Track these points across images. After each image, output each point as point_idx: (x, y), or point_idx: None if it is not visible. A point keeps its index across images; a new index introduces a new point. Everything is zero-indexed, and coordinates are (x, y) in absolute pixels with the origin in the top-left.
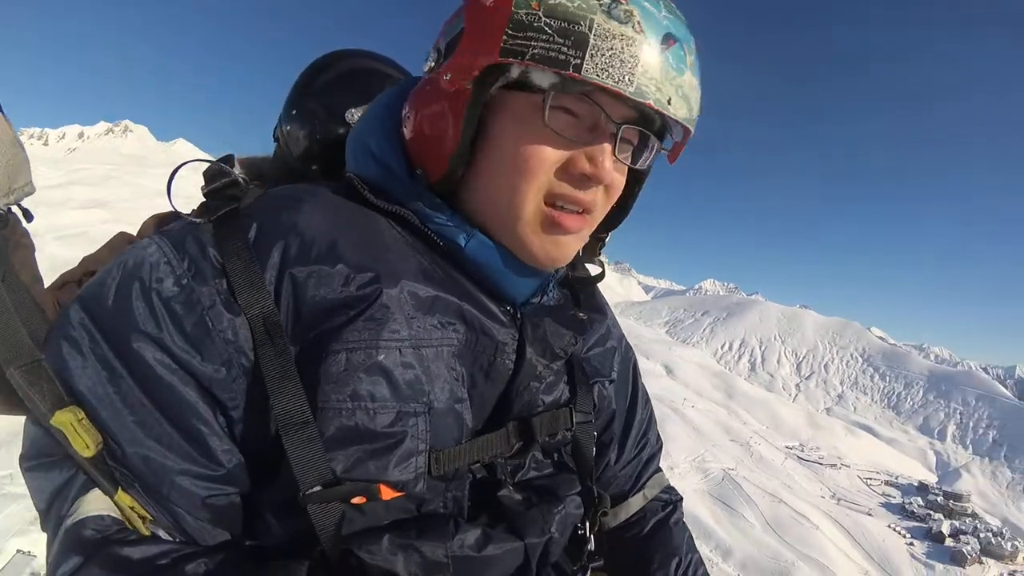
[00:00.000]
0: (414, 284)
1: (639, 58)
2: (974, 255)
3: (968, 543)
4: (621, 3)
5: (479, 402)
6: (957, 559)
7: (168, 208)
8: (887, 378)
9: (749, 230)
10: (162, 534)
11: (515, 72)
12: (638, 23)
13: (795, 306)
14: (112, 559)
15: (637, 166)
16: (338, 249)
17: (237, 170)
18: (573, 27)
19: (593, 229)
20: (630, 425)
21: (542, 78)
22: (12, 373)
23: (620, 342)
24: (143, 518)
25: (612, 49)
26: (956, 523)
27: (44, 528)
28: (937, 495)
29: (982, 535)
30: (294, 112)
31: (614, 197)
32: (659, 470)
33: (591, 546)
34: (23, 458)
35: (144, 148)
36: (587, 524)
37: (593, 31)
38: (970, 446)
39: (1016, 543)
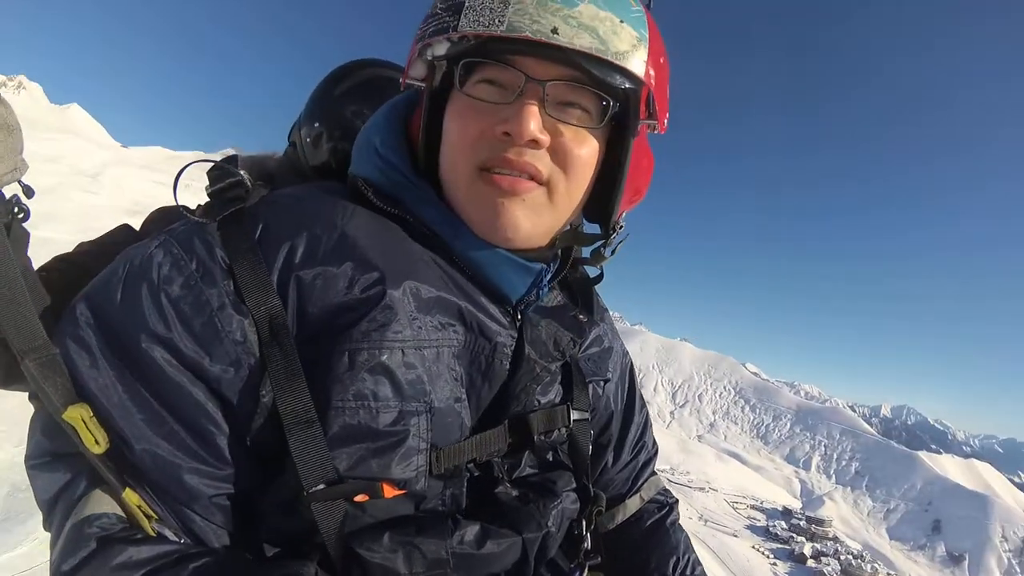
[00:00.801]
0: (416, 284)
1: (507, 1)
2: (848, 299)
3: (829, 564)
4: None
5: (476, 402)
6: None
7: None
8: (757, 410)
9: (637, 262)
10: (168, 533)
11: (428, 54)
12: None
13: (676, 338)
14: (116, 558)
15: (591, 126)
16: (343, 250)
17: (242, 173)
18: (453, 1)
19: (559, 204)
20: (627, 428)
21: (439, 49)
22: (27, 365)
23: (617, 344)
24: (149, 517)
25: (483, 3)
26: (818, 546)
27: (47, 527)
28: (800, 519)
29: (843, 557)
30: (316, 124)
31: (574, 167)
32: (655, 473)
33: (587, 544)
34: (29, 456)
35: (36, 109)
36: (583, 523)
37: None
38: (833, 476)
39: (876, 565)
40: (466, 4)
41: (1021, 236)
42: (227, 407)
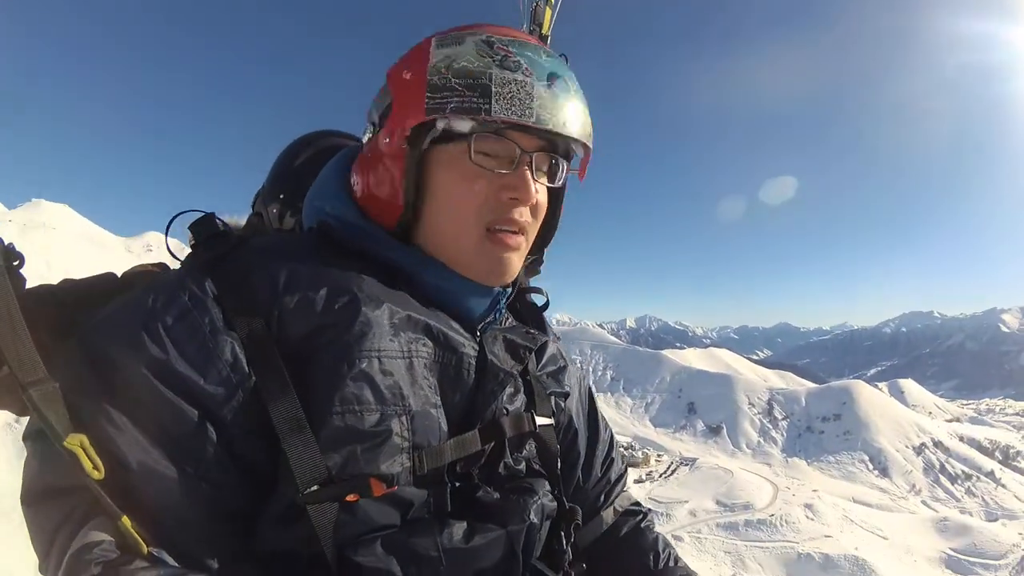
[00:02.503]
0: (387, 304)
1: (533, 94)
2: (578, 226)
3: None
4: (510, 56)
5: (450, 409)
6: None
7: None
8: None
9: None
10: (166, 558)
11: (440, 125)
12: (526, 68)
13: None
14: None
15: (553, 184)
16: (319, 278)
17: (221, 223)
18: (477, 81)
19: (529, 246)
20: (594, 445)
21: (462, 125)
22: (29, 395)
23: (571, 364)
24: (147, 542)
25: (511, 92)
26: None
27: (42, 569)
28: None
29: None
30: (280, 196)
31: (541, 215)
32: (626, 488)
33: (569, 555)
34: (25, 494)
35: None
36: (563, 535)
37: (493, 81)
38: (593, 386)
39: (646, 451)
40: (494, 90)
41: (690, 150)
42: (222, 426)
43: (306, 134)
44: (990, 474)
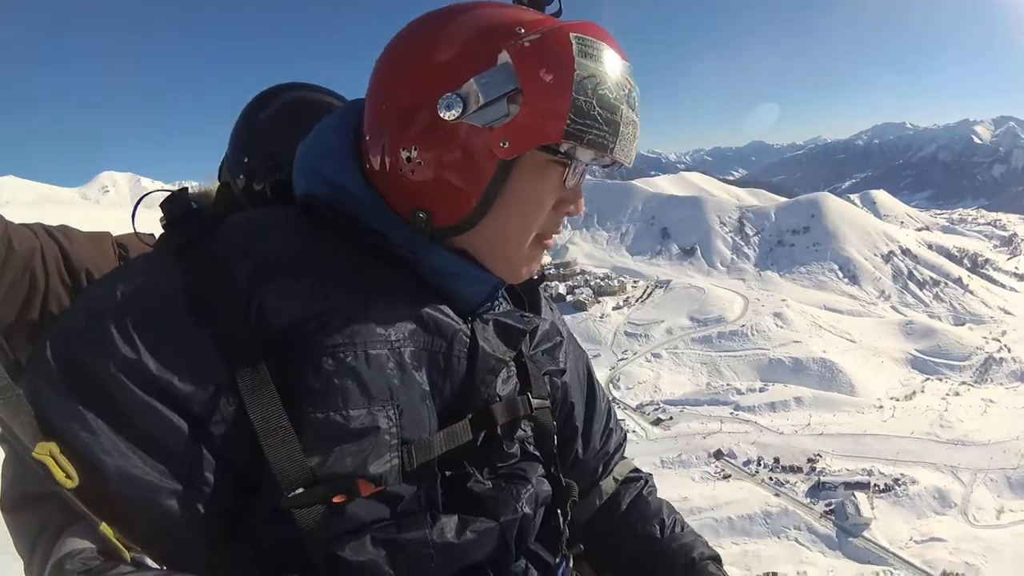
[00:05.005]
0: (375, 293)
1: (635, 136)
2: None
3: (583, 293)
4: (633, 92)
5: (440, 400)
6: (578, 307)
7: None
8: None
9: None
10: (148, 561)
11: (564, 147)
12: (636, 105)
13: None
14: None
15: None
16: (302, 267)
17: (196, 204)
18: (612, 116)
19: None
20: (591, 417)
21: (584, 155)
22: None
23: (567, 338)
24: (128, 548)
25: (628, 134)
26: (569, 283)
27: (27, 574)
28: (550, 269)
29: (593, 283)
30: (245, 160)
31: None
32: (624, 457)
33: (567, 535)
34: (3, 500)
35: None
36: (560, 514)
37: (622, 119)
38: (568, 224)
39: (622, 279)
40: (621, 130)
41: None
42: (200, 426)
43: (266, 89)
44: (958, 280)
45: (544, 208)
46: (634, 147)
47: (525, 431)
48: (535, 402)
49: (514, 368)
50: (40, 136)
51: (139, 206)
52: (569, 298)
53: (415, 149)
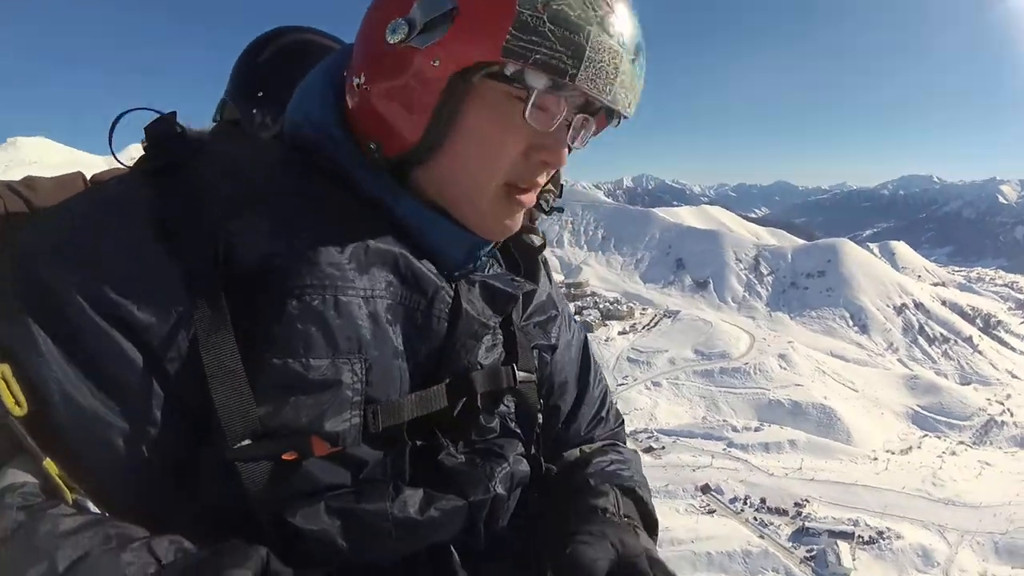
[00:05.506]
0: (349, 236)
1: (619, 70)
2: None
3: (591, 315)
4: (610, 15)
5: (414, 360)
6: (584, 328)
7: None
8: None
9: None
10: (90, 506)
11: (508, 70)
12: (622, 37)
13: None
14: (35, 531)
15: (575, 146)
16: (276, 204)
17: (181, 125)
18: (573, 36)
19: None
20: (581, 400)
21: (535, 79)
22: None
23: (564, 313)
24: (71, 488)
25: (601, 61)
26: (579, 303)
27: None
28: (561, 288)
29: (602, 306)
30: (244, 103)
31: (554, 171)
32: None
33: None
34: None
35: None
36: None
37: (589, 43)
38: (585, 246)
39: (631, 305)
40: (586, 56)
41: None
42: (156, 362)
43: (266, 32)
44: (968, 339)
45: (505, 146)
46: (621, 84)
47: (508, 406)
48: (520, 375)
49: (500, 336)
50: (73, 99)
51: (116, 126)
52: (577, 318)
53: (363, 75)
